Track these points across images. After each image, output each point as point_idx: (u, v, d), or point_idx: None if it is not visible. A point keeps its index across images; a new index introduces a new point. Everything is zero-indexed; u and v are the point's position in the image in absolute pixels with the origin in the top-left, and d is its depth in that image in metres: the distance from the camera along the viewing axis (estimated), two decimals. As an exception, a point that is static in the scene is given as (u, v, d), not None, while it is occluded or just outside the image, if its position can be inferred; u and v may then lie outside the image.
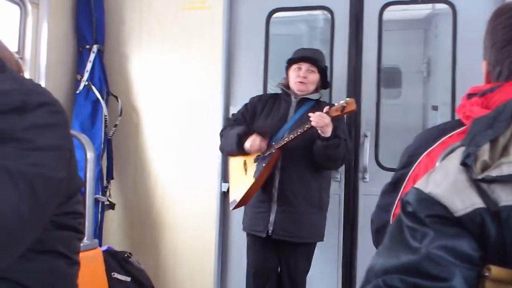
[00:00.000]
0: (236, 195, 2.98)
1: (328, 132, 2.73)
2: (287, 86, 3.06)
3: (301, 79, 2.96)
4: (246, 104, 3.16)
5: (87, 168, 2.43)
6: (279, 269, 3.01)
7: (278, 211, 2.90)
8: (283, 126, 2.96)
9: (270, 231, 2.90)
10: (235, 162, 3.06)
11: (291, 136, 2.81)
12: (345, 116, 2.97)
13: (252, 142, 2.89)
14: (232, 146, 2.97)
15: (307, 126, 2.76)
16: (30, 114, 1.03)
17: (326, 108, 2.75)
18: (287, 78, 3.08)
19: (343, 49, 3.41)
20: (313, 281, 3.10)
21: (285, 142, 2.83)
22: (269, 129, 2.96)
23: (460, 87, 3.17)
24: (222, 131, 3.12)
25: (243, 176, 2.96)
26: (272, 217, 2.90)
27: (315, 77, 3.00)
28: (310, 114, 2.73)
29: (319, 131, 2.73)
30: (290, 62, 3.04)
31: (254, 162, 2.92)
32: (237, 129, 2.97)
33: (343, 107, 2.72)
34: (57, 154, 1.07)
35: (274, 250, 2.97)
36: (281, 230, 2.88)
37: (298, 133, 2.78)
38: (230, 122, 3.13)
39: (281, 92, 3.12)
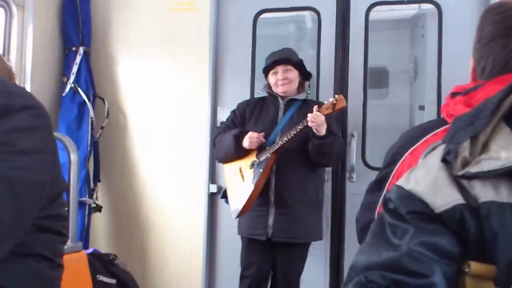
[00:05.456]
0: (237, 204, 2.96)
1: (323, 130, 2.74)
2: (272, 89, 3.08)
3: (282, 81, 2.97)
4: (234, 110, 3.15)
5: (71, 170, 2.42)
6: (271, 273, 3.01)
7: (276, 213, 2.90)
8: (274, 129, 2.96)
9: (269, 234, 2.90)
10: (230, 170, 3.04)
11: (285, 138, 2.82)
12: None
13: (250, 137, 2.89)
14: (229, 148, 2.95)
15: (300, 126, 2.77)
16: (13, 117, 1.02)
17: (316, 107, 2.76)
18: (269, 84, 3.09)
19: (330, 49, 3.42)
20: (301, 280, 3.09)
21: (279, 145, 2.83)
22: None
23: (446, 87, 3.19)
24: (214, 139, 3.09)
25: (241, 183, 2.95)
26: (270, 220, 2.90)
27: (294, 74, 3.01)
28: (309, 115, 2.73)
29: (314, 130, 2.74)
30: (266, 70, 3.06)
31: (250, 168, 2.92)
32: (232, 132, 2.97)
33: (334, 105, 2.75)
34: (40, 157, 1.07)
35: (270, 253, 2.97)
36: (280, 232, 2.88)
37: (292, 135, 2.79)
38: (221, 129, 3.10)
39: (267, 95, 3.12)
